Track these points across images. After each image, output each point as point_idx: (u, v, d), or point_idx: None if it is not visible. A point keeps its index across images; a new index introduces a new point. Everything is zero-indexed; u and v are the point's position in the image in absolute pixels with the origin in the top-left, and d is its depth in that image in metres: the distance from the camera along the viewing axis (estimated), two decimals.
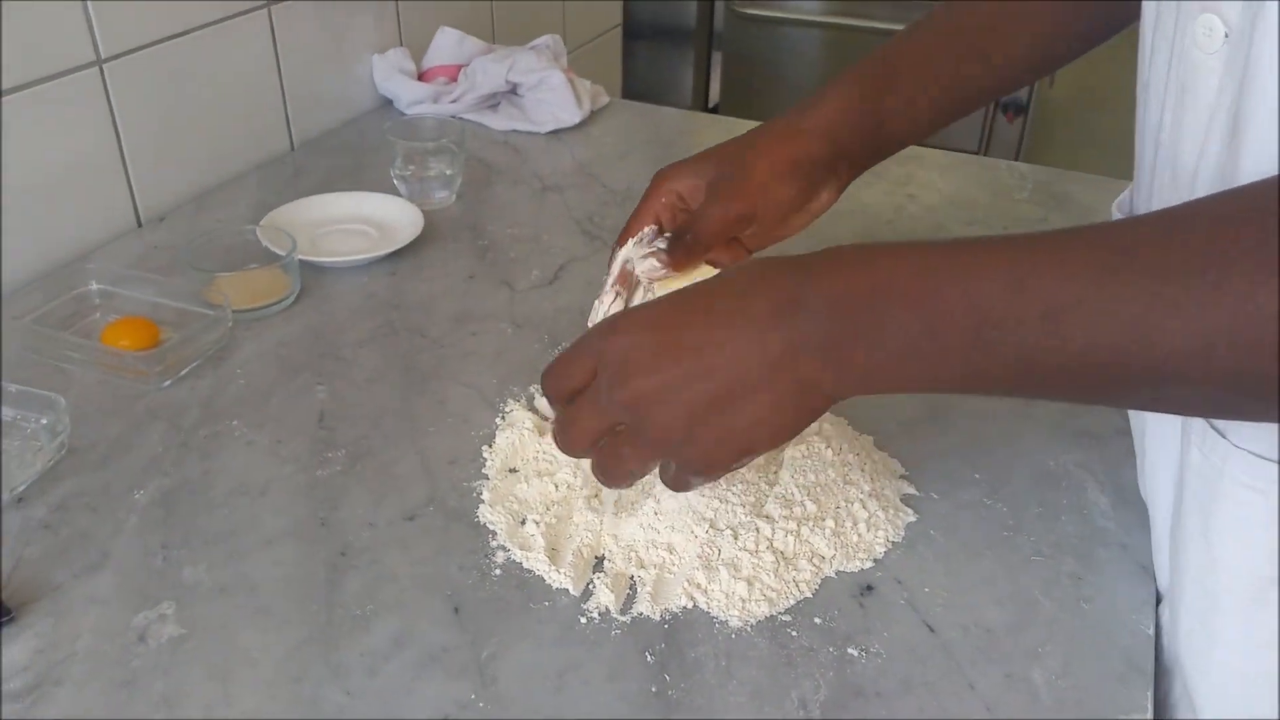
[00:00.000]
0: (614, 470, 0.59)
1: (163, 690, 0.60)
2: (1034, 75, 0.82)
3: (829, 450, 0.75)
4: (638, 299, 0.74)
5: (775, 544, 0.69)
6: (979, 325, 0.48)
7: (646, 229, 0.75)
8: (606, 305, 0.74)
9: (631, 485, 0.62)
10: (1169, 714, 0.66)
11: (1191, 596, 0.61)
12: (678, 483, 0.59)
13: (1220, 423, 0.57)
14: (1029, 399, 0.71)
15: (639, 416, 0.55)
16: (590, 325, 0.74)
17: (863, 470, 0.75)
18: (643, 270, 0.73)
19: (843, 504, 0.72)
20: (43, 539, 0.70)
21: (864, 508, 0.72)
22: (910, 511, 0.74)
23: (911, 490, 0.76)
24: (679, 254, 0.72)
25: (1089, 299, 0.45)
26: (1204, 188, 0.56)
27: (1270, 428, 0.54)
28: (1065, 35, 0.79)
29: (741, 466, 0.58)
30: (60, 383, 0.85)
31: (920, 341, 0.50)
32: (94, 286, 0.95)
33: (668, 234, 0.74)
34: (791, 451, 0.75)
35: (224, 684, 0.61)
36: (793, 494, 0.71)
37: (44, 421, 0.76)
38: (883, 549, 0.71)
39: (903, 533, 0.72)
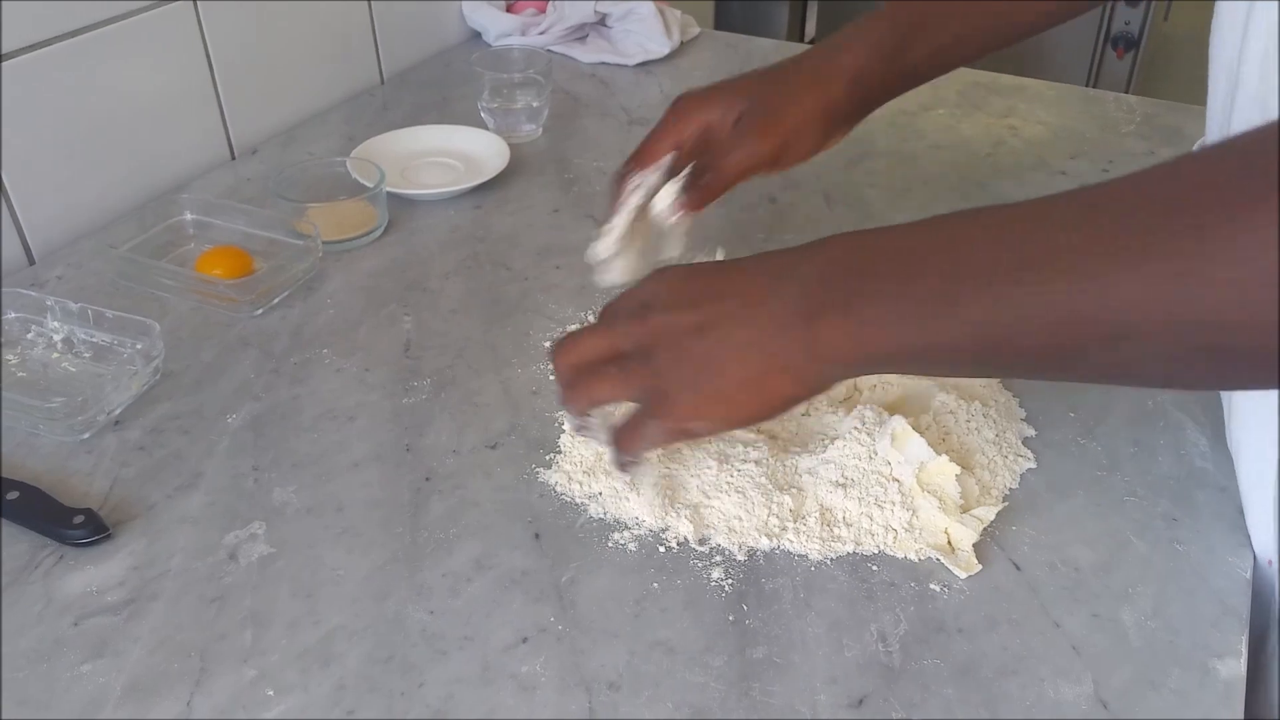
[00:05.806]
0: (583, 394, 0.61)
1: (252, 606, 0.62)
2: (1072, 14, 0.79)
3: (952, 396, 0.74)
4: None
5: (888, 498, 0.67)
6: (954, 281, 0.47)
7: (666, 157, 0.74)
8: (618, 232, 0.73)
9: (585, 414, 0.63)
10: (1268, 664, 0.64)
11: None
12: (632, 434, 0.60)
13: None
14: (1003, 376, 0.71)
15: (647, 349, 0.57)
16: (597, 252, 0.74)
17: (985, 416, 0.73)
18: (656, 212, 0.72)
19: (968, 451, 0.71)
20: (138, 460, 0.72)
21: (984, 454, 0.71)
22: (1030, 457, 0.72)
23: (1031, 432, 0.74)
24: (695, 195, 0.71)
25: (1057, 249, 0.44)
26: None
27: None
28: None
29: (703, 433, 0.62)
30: (155, 310, 0.87)
31: (894, 302, 0.49)
32: (188, 216, 0.96)
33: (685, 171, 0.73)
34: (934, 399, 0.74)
35: (311, 601, 0.62)
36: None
37: (139, 346, 0.78)
38: (999, 495, 0.69)
39: (1019, 480, 0.71)
